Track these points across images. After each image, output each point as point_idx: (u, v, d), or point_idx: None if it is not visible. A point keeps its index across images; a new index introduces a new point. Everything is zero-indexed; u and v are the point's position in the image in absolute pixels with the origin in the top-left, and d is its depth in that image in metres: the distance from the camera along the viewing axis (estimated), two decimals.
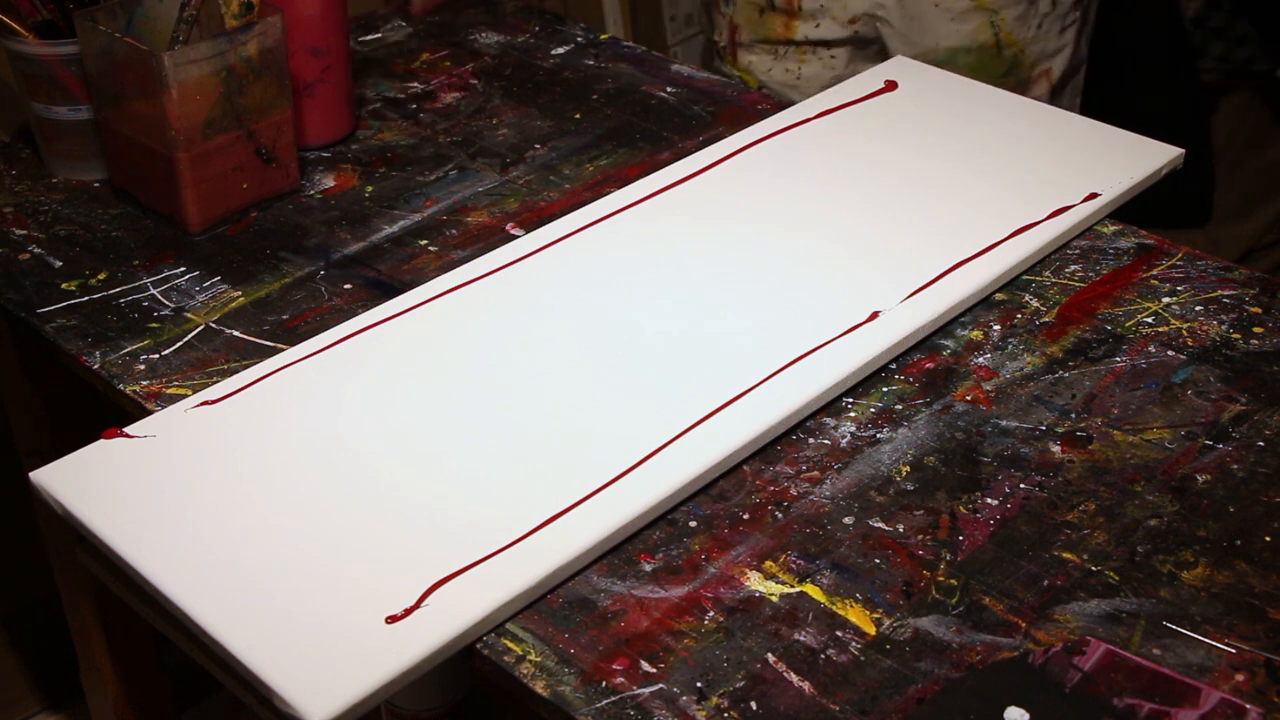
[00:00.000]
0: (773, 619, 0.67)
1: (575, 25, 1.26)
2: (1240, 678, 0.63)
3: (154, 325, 0.87)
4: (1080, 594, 0.68)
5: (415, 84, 1.17)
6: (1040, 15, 1.30)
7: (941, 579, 0.69)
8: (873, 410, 0.80)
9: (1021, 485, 0.74)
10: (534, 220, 0.98)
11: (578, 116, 1.12)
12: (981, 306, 0.88)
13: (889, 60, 1.15)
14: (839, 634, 0.66)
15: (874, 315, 0.84)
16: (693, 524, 0.72)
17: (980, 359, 0.84)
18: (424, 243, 0.96)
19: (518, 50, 1.22)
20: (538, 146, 1.08)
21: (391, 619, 0.65)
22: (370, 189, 1.02)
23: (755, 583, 0.69)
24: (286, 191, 1.01)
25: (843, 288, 0.87)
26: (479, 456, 0.75)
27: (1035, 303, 0.88)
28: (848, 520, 0.72)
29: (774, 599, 0.68)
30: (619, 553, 0.71)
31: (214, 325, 0.87)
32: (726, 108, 1.12)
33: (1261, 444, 0.77)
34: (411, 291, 0.88)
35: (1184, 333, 0.85)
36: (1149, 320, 0.86)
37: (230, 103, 0.94)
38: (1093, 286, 0.90)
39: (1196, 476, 0.75)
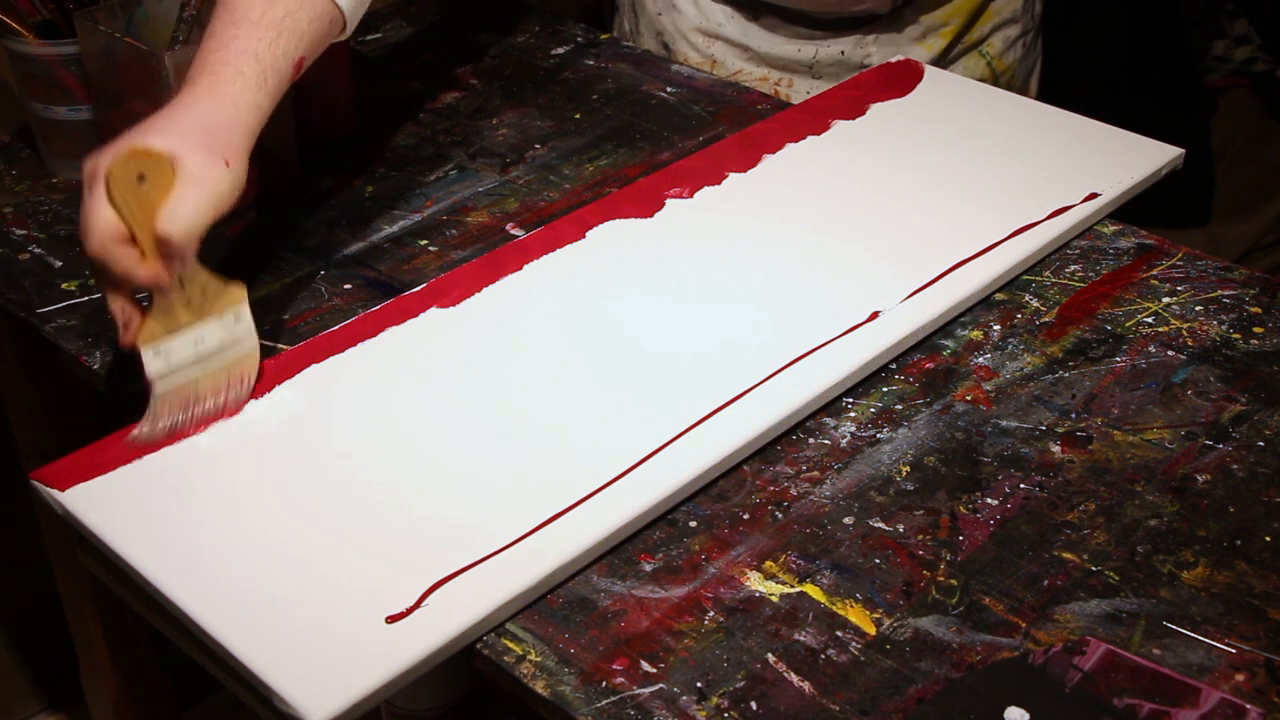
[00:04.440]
0: (773, 619, 0.67)
1: (575, 25, 1.26)
2: (1240, 678, 0.63)
3: None
4: (1080, 594, 0.68)
5: (415, 84, 1.17)
6: (1024, 34, 1.28)
7: (941, 579, 0.69)
8: (873, 410, 0.80)
9: (1021, 485, 0.74)
10: (534, 220, 0.98)
11: (578, 116, 1.12)
12: (981, 306, 0.88)
13: (888, 60, 1.15)
14: (839, 634, 0.66)
15: (874, 315, 0.84)
16: (693, 524, 0.72)
17: (980, 359, 0.84)
18: (424, 243, 0.96)
19: (518, 50, 1.22)
20: (538, 146, 1.08)
21: (391, 619, 0.65)
22: (370, 189, 1.02)
23: (755, 583, 0.69)
24: (286, 191, 1.01)
25: (843, 288, 0.87)
26: (479, 456, 0.75)
27: (1035, 303, 0.88)
28: (848, 520, 0.72)
29: (774, 599, 0.68)
30: (619, 553, 0.71)
31: None
32: (726, 108, 1.12)
33: (1261, 444, 0.77)
34: (412, 292, 0.88)
35: (1184, 333, 0.85)
36: (1149, 320, 0.86)
37: None
38: (1093, 286, 0.90)
39: (1196, 476, 0.75)
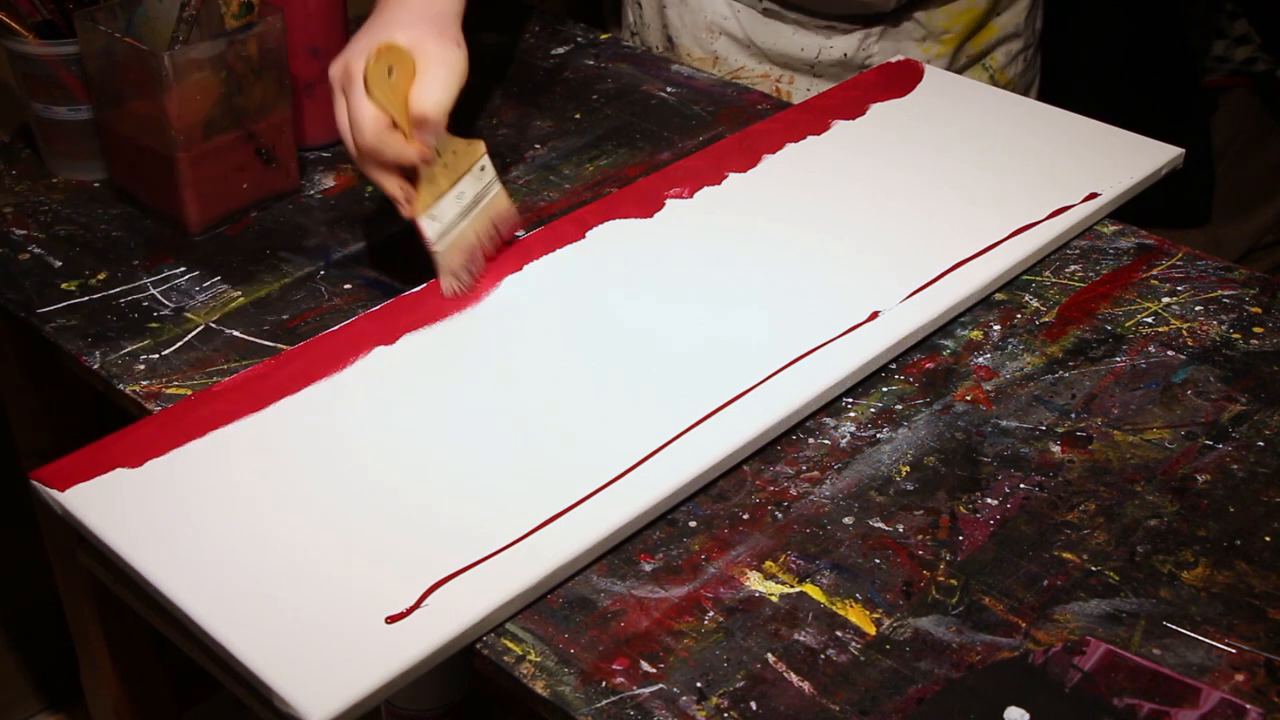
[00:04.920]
0: (773, 619, 0.67)
1: (575, 25, 1.26)
2: (1240, 678, 0.63)
3: (154, 325, 0.87)
4: (1080, 594, 0.68)
5: None
6: (1025, 48, 1.29)
7: (941, 579, 0.69)
8: (873, 410, 0.80)
9: (1021, 485, 0.74)
10: (534, 220, 0.98)
11: (578, 116, 1.12)
12: (981, 306, 0.88)
13: (889, 60, 1.15)
14: (839, 634, 0.66)
15: (874, 315, 0.84)
16: (693, 524, 0.72)
17: (980, 359, 0.84)
18: None
19: (518, 50, 1.22)
20: (538, 146, 1.08)
21: (391, 619, 0.65)
22: (370, 189, 1.02)
23: (755, 583, 0.69)
24: (286, 191, 1.01)
25: (843, 288, 0.87)
26: (479, 456, 0.75)
27: (1035, 303, 0.88)
28: (848, 520, 0.72)
29: (774, 599, 0.68)
30: (619, 553, 0.71)
31: (214, 325, 0.87)
32: (726, 108, 1.12)
33: (1261, 444, 0.77)
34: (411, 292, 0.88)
35: (1184, 333, 0.85)
36: (1149, 320, 0.86)
37: (230, 103, 0.94)
38: (1093, 286, 0.90)
39: (1196, 476, 0.75)
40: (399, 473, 0.74)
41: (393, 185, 0.85)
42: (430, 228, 0.85)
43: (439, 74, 0.84)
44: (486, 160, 0.90)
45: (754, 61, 1.22)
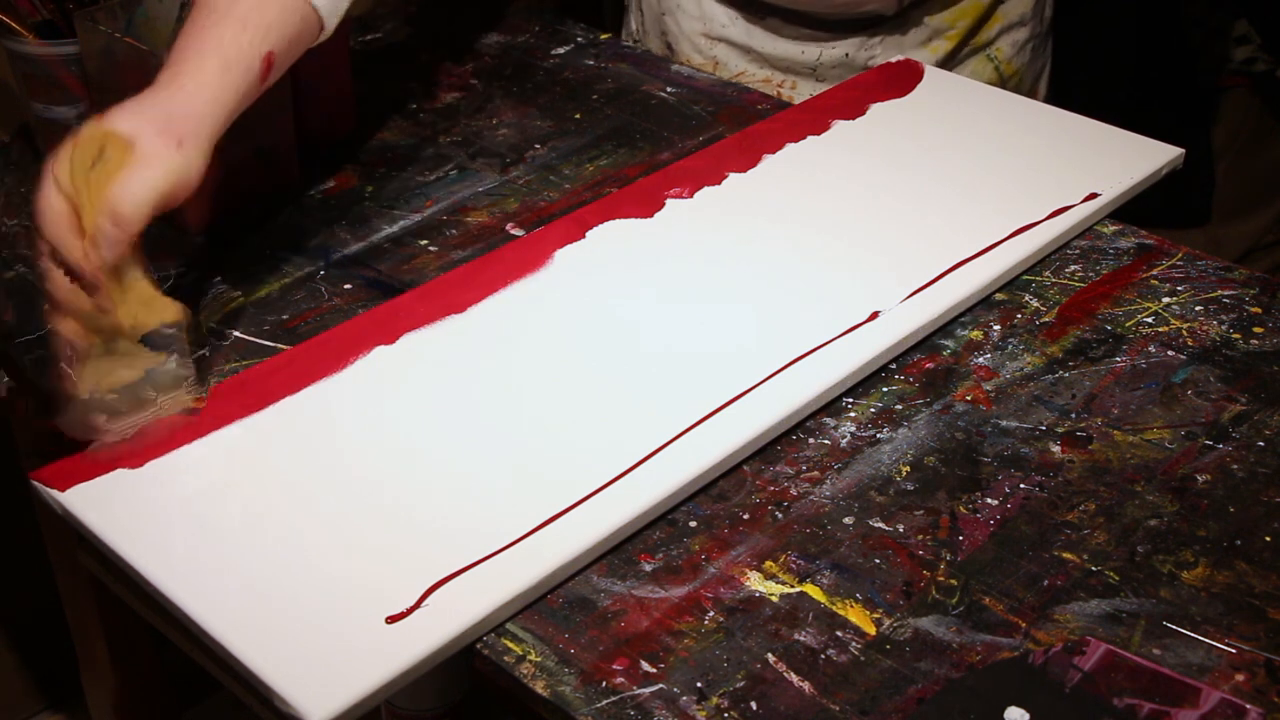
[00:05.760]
0: (773, 619, 0.67)
1: (575, 25, 1.26)
2: (1240, 678, 0.63)
3: None
4: (1080, 594, 0.68)
5: (415, 84, 1.17)
6: (1033, 37, 1.28)
7: (941, 579, 0.69)
8: (873, 410, 0.80)
9: (1021, 485, 0.74)
10: (534, 220, 0.98)
11: (578, 116, 1.12)
12: (981, 306, 0.88)
13: (888, 61, 1.15)
14: (839, 634, 0.66)
15: (874, 315, 0.84)
16: (693, 524, 0.72)
17: (980, 359, 0.84)
18: (424, 243, 0.96)
19: (518, 50, 1.22)
20: (538, 146, 1.08)
21: (391, 619, 0.65)
22: (370, 189, 1.02)
23: (755, 583, 0.69)
24: (286, 191, 1.01)
25: (843, 288, 0.87)
26: (479, 456, 0.75)
27: (1035, 303, 0.88)
28: (848, 520, 0.72)
29: (774, 599, 0.68)
30: (619, 553, 0.71)
31: (214, 325, 0.87)
32: (726, 108, 1.12)
33: (1261, 444, 0.77)
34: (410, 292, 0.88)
35: (1184, 333, 0.85)
36: (1149, 320, 0.86)
37: None
38: (1093, 286, 0.90)
39: (1196, 476, 0.75)
40: (399, 473, 0.74)
41: (69, 331, 0.74)
42: (88, 410, 0.75)
43: (142, 174, 0.73)
44: (179, 331, 0.77)
45: (755, 66, 1.22)
